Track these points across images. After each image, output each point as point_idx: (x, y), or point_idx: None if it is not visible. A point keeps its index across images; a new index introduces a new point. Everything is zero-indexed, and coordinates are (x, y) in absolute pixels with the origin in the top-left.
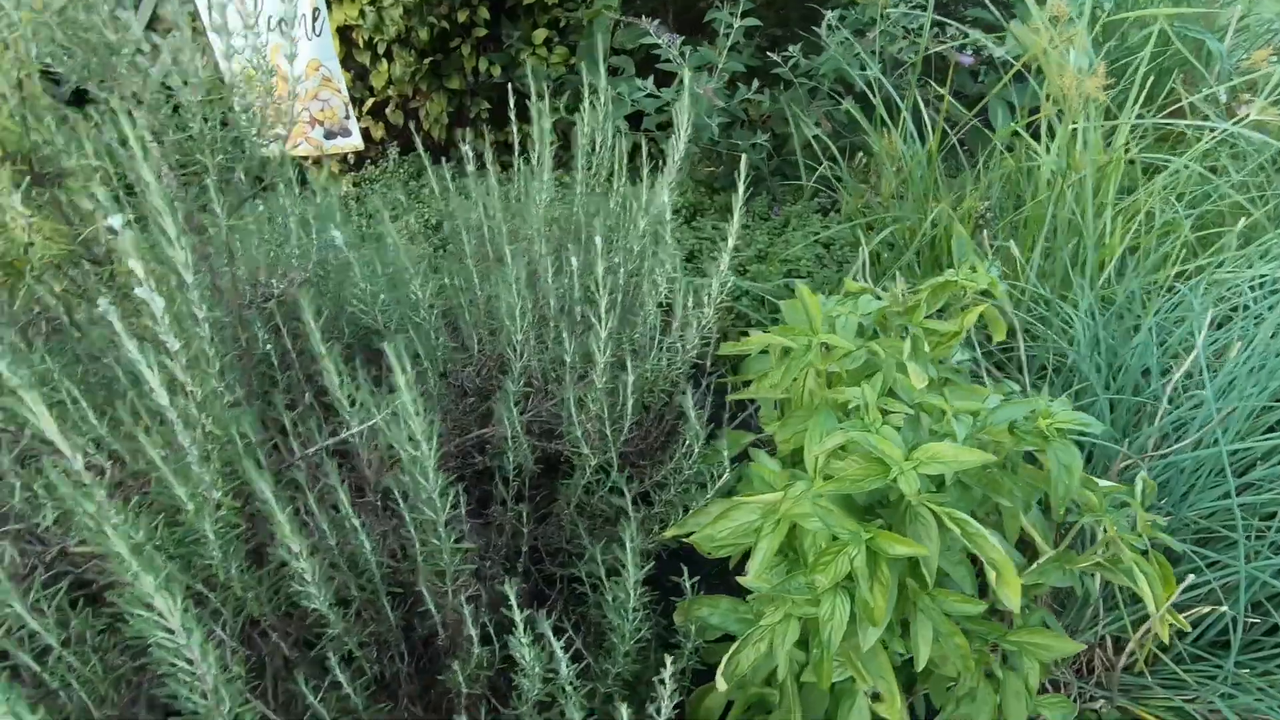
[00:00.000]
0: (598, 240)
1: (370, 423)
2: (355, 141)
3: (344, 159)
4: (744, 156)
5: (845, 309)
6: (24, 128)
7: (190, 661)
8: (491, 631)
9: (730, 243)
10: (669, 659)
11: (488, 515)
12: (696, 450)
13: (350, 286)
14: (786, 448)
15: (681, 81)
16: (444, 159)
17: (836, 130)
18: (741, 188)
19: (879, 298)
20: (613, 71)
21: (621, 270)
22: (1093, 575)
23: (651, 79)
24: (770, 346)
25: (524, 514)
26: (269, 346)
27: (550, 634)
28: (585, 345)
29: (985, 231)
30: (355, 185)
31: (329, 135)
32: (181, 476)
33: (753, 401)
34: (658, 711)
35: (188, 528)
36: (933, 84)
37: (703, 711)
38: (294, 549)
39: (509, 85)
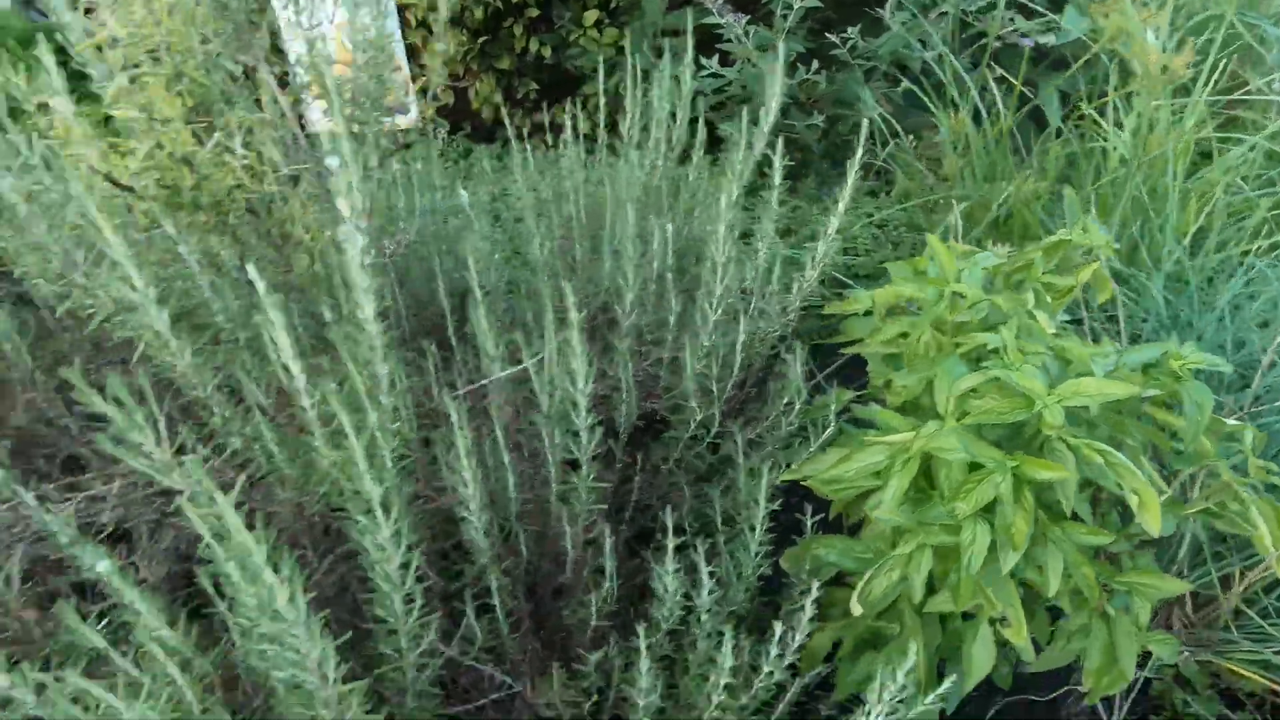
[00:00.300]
0: (723, 199)
1: (529, 363)
2: (414, 118)
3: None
4: (864, 121)
5: (968, 264)
6: (210, 80)
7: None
8: (614, 569)
9: (841, 206)
10: (814, 585)
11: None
12: (798, 406)
13: (467, 244)
14: (898, 399)
15: (748, 61)
16: (498, 139)
17: (894, 112)
18: (859, 152)
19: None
20: (661, 53)
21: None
22: (1192, 521)
23: (716, 59)
24: (875, 304)
25: (639, 461)
26: (388, 302)
27: (702, 561)
28: (683, 307)
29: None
30: (404, 164)
31: (388, 112)
32: (374, 403)
33: (834, 360)
34: (792, 638)
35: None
36: (997, 66)
37: (810, 650)
38: (466, 476)
39: (561, 65)
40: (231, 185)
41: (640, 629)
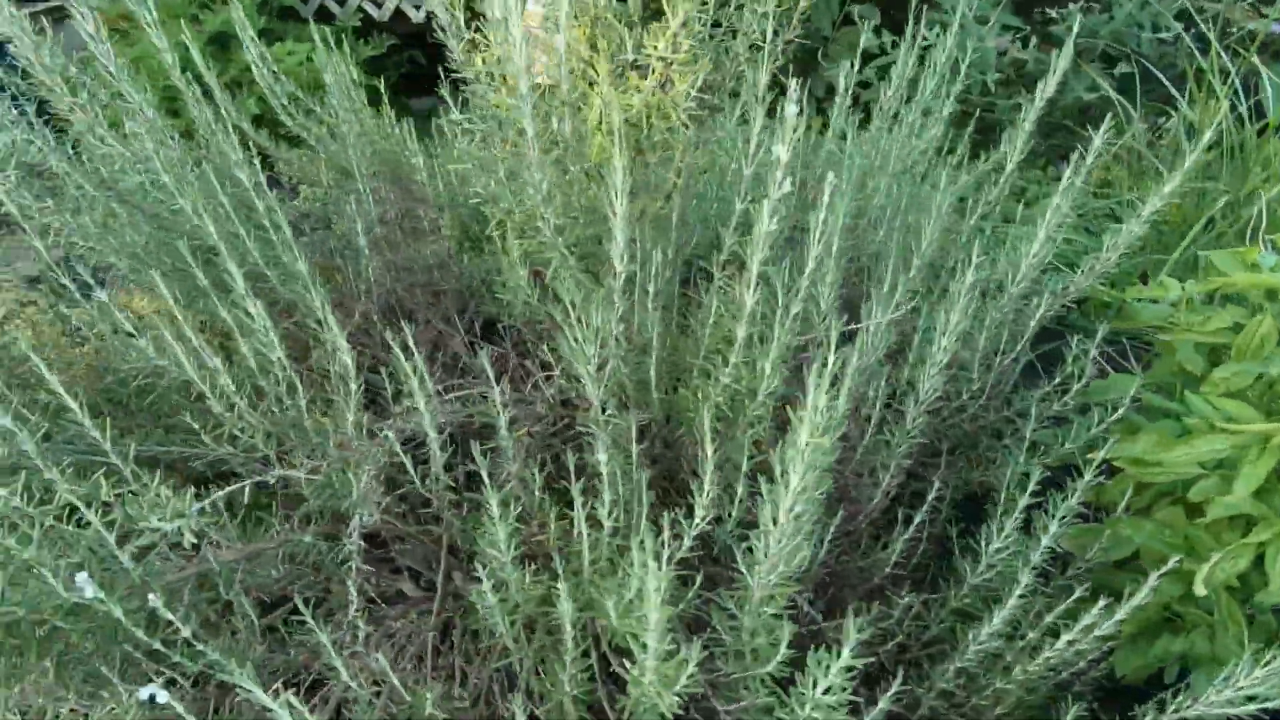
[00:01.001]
0: (1061, 184)
1: (868, 322)
2: None
3: None
4: (1113, 100)
5: None
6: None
7: None
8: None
9: (1168, 189)
10: (1165, 566)
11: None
12: (1074, 388)
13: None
14: (1214, 390)
15: (962, 30)
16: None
17: (1111, 94)
18: (1213, 130)
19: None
20: (849, 21)
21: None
22: None
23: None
24: (1185, 294)
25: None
26: None
27: (1051, 522)
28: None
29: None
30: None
31: None
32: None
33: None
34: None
35: None
36: (1243, 53)
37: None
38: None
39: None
40: (665, 129)
41: (1023, 572)
